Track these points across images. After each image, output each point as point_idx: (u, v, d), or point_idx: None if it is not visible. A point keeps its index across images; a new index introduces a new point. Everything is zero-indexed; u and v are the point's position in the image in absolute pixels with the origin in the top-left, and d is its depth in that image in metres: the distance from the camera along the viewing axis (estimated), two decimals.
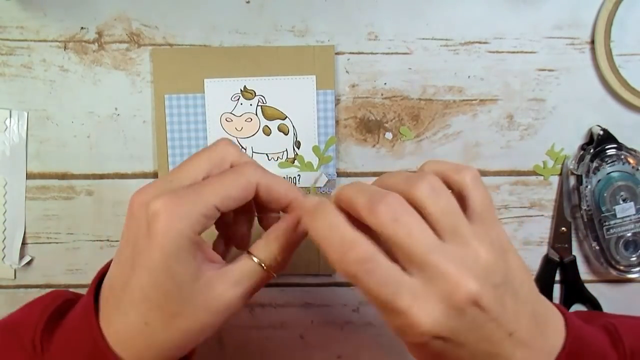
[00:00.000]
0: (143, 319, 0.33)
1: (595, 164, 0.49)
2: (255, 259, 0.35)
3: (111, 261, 0.36)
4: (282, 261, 0.36)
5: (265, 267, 0.35)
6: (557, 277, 0.52)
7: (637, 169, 0.49)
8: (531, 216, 0.52)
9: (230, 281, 0.34)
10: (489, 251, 0.30)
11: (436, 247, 0.30)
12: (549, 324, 0.34)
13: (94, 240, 0.52)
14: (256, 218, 0.40)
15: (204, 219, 0.33)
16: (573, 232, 0.52)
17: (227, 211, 0.34)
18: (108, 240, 0.52)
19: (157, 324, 0.33)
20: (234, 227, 0.40)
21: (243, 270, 0.35)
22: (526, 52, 0.50)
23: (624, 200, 0.49)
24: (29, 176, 0.52)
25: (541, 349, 0.33)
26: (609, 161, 0.49)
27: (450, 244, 0.30)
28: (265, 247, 0.35)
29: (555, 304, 0.36)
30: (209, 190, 0.33)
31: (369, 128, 0.51)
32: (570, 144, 0.51)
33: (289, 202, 0.36)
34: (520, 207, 0.52)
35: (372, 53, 0.50)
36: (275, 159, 0.51)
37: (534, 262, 0.52)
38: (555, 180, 0.52)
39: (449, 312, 0.29)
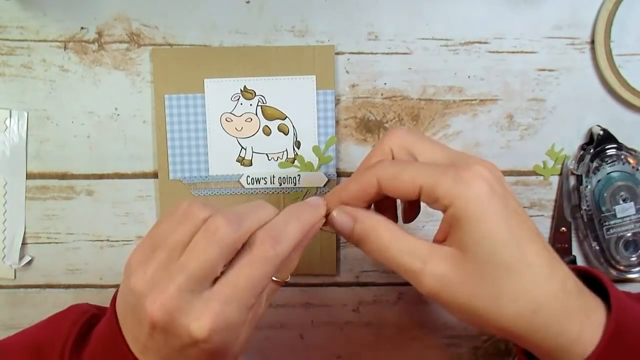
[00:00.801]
0: None
1: (595, 164, 0.49)
2: (274, 278, 0.34)
3: None
4: (293, 266, 0.36)
5: (277, 280, 0.35)
6: None
7: (637, 169, 0.49)
8: (531, 216, 0.52)
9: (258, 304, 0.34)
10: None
11: None
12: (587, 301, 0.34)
13: (94, 240, 0.52)
14: None
15: (246, 317, 0.32)
16: (573, 232, 0.52)
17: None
18: (108, 240, 0.52)
19: None
20: None
21: (267, 293, 0.35)
22: (526, 52, 0.50)
23: (624, 200, 0.49)
24: (29, 176, 0.52)
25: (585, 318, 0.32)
26: (609, 161, 0.49)
27: None
28: (287, 266, 0.35)
29: (591, 269, 0.36)
30: (241, 292, 0.31)
31: (369, 128, 0.51)
32: (570, 144, 0.51)
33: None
34: None
35: (372, 53, 0.50)
36: (275, 159, 0.51)
37: None
38: (555, 180, 0.52)
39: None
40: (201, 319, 0.30)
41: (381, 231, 0.34)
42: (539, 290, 0.31)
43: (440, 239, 0.33)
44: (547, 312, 0.31)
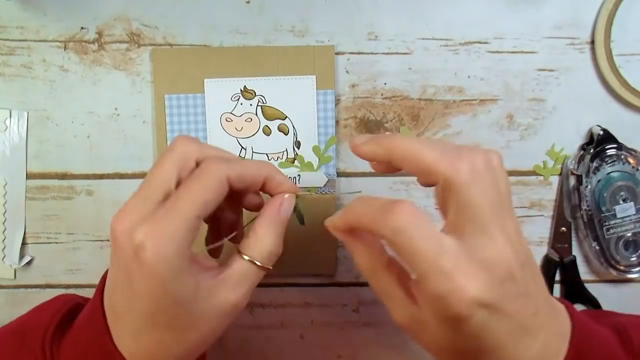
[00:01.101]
0: (155, 339, 0.33)
1: (595, 164, 0.49)
2: (246, 257, 0.35)
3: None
4: (276, 252, 0.36)
5: (260, 264, 0.35)
6: (557, 277, 0.52)
7: (637, 169, 0.49)
8: (531, 216, 0.52)
9: (230, 286, 0.34)
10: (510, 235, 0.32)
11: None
12: (556, 311, 0.34)
13: (94, 240, 0.52)
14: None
15: (188, 233, 0.32)
16: (573, 232, 0.52)
17: (209, 214, 0.34)
18: (108, 240, 0.52)
19: (170, 342, 0.33)
20: (221, 219, 0.40)
21: (240, 272, 0.35)
22: (526, 52, 0.50)
23: (624, 200, 0.49)
24: (29, 176, 0.52)
25: (556, 333, 0.33)
26: (609, 161, 0.49)
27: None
28: (257, 244, 0.36)
29: (558, 298, 0.37)
30: (184, 204, 0.33)
31: (369, 128, 0.51)
32: (570, 144, 0.51)
33: (263, 181, 0.37)
34: (520, 207, 0.52)
35: (372, 53, 0.50)
36: (275, 159, 0.51)
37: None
38: (555, 180, 0.52)
39: (492, 280, 0.30)
40: (142, 225, 0.32)
41: (361, 264, 0.36)
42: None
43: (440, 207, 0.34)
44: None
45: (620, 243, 0.49)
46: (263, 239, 0.36)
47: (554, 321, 0.33)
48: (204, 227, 0.41)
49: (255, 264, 0.35)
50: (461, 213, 0.31)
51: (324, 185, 0.51)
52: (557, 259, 0.51)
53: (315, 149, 0.50)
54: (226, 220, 0.41)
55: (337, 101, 0.51)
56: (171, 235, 0.32)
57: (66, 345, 0.35)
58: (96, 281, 0.54)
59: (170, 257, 0.32)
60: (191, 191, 0.33)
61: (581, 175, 0.49)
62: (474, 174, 0.31)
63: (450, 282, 0.29)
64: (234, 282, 0.35)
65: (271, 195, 0.38)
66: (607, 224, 0.49)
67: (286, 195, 0.37)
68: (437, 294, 0.30)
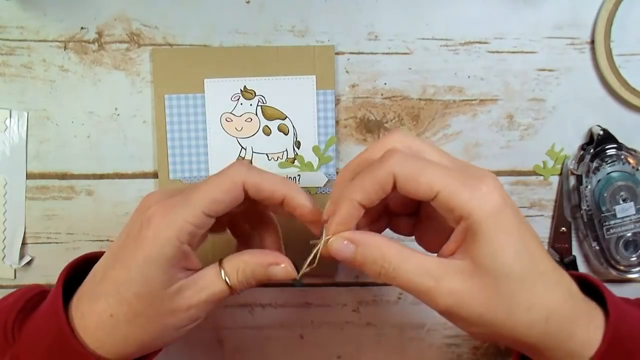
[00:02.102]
0: (110, 309, 0.34)
1: (595, 164, 0.49)
2: (222, 272, 0.35)
3: (84, 255, 0.38)
4: (245, 284, 0.36)
5: (229, 283, 0.35)
6: None
7: (637, 169, 0.49)
8: (531, 216, 0.52)
9: (194, 288, 0.35)
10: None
11: None
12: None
13: (94, 240, 0.52)
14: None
15: (191, 227, 0.33)
16: (573, 232, 0.52)
17: (219, 215, 0.35)
18: (108, 240, 0.52)
19: (121, 317, 0.34)
20: (251, 241, 0.40)
21: (209, 278, 0.35)
22: (526, 52, 0.50)
23: (624, 200, 0.49)
24: (29, 176, 0.52)
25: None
26: (609, 161, 0.49)
27: None
28: (234, 263, 0.36)
29: (586, 275, 0.36)
30: (195, 197, 0.33)
31: (369, 128, 0.51)
32: (570, 144, 0.51)
33: (283, 197, 0.36)
34: (520, 207, 0.52)
35: (372, 53, 0.50)
36: (275, 159, 0.51)
37: None
38: (555, 180, 0.52)
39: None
40: (157, 204, 0.34)
41: (387, 252, 0.33)
42: (550, 297, 0.32)
43: (450, 252, 0.33)
44: (558, 319, 0.32)
45: (620, 243, 0.49)
46: (241, 265, 0.36)
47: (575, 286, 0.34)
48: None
49: (225, 280, 0.35)
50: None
51: (324, 185, 0.51)
52: (557, 259, 0.51)
53: (315, 149, 0.50)
54: (253, 245, 0.40)
55: (337, 101, 0.51)
56: (174, 222, 0.33)
57: (27, 329, 0.36)
58: None
59: (166, 241, 0.32)
60: (204, 187, 0.34)
61: (581, 175, 0.49)
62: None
63: (472, 181, 0.31)
64: (198, 286, 0.35)
65: (291, 216, 0.37)
66: (607, 224, 0.49)
67: (283, 265, 0.36)
68: (468, 196, 0.30)
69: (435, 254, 0.35)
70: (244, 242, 0.41)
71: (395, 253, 0.33)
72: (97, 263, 0.36)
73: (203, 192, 0.34)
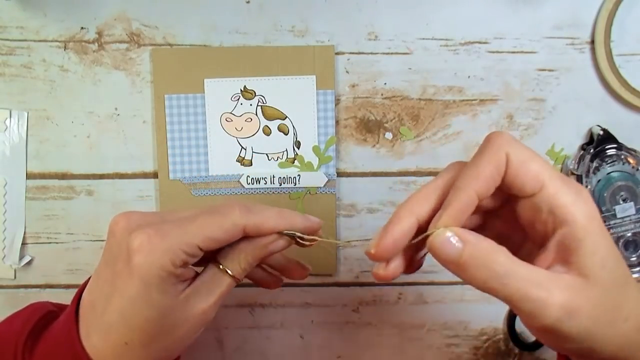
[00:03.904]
0: (123, 339, 0.34)
1: (595, 164, 0.49)
2: (221, 266, 0.36)
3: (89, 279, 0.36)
4: (248, 269, 0.37)
5: (231, 274, 0.36)
6: None
7: (637, 169, 0.49)
8: None
9: (202, 293, 0.35)
10: None
11: None
12: None
13: (94, 240, 0.52)
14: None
15: (185, 255, 0.33)
16: None
17: (211, 250, 0.35)
18: None
19: (137, 343, 0.34)
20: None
21: (211, 280, 0.36)
22: (526, 52, 0.50)
23: (624, 200, 0.49)
24: (29, 176, 0.52)
25: None
26: (609, 161, 0.49)
27: None
28: (232, 256, 0.36)
29: None
30: (193, 229, 0.34)
31: (369, 128, 0.51)
32: (570, 144, 0.51)
33: (282, 230, 0.36)
34: None
35: (372, 53, 0.50)
36: (275, 159, 0.51)
37: None
38: None
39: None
40: (145, 229, 0.33)
41: (498, 258, 0.29)
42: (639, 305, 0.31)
43: (547, 264, 0.31)
44: None
45: (620, 243, 0.49)
46: (240, 253, 0.36)
47: None
48: None
49: (227, 272, 0.36)
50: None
51: (324, 185, 0.51)
52: None
53: (315, 149, 0.50)
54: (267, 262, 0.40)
55: (337, 101, 0.51)
56: (168, 249, 0.32)
57: (39, 354, 0.36)
58: None
59: (160, 267, 0.32)
60: (204, 221, 0.34)
61: (581, 175, 0.49)
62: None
63: (571, 185, 0.30)
64: (205, 290, 0.35)
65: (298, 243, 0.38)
66: (607, 224, 0.49)
67: (281, 242, 0.37)
68: (573, 198, 0.29)
69: None
70: None
71: (506, 259, 0.30)
72: (89, 290, 0.36)
73: (201, 225, 0.34)
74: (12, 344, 0.36)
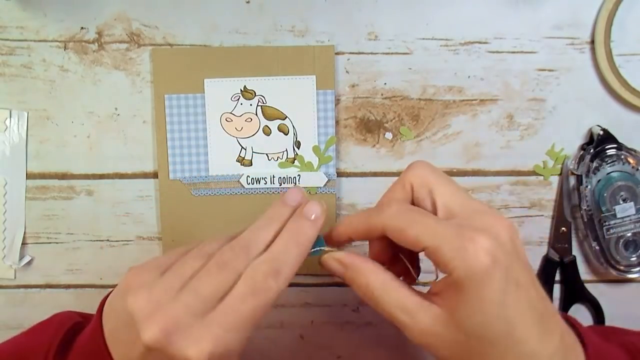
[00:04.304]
0: None
1: (595, 164, 0.49)
2: None
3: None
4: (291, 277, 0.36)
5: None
6: (557, 277, 0.52)
7: (637, 169, 0.49)
8: (531, 216, 0.52)
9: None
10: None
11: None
12: (569, 331, 0.34)
13: (94, 240, 0.52)
14: None
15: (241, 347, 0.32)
16: (573, 232, 0.52)
17: None
18: (108, 240, 0.52)
19: None
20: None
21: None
22: (526, 52, 0.50)
23: (624, 200, 0.49)
24: (29, 176, 0.52)
25: (572, 346, 0.33)
26: (609, 161, 0.49)
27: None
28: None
29: (566, 316, 0.36)
30: (246, 324, 0.32)
31: (369, 128, 0.51)
32: (570, 144, 0.51)
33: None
34: (520, 207, 0.52)
35: (372, 53, 0.50)
36: (275, 159, 0.51)
37: (534, 262, 0.52)
38: (555, 180, 0.52)
39: (499, 243, 0.32)
40: (201, 343, 0.30)
41: (372, 281, 0.34)
42: None
43: (437, 291, 0.33)
44: None
45: (620, 243, 0.49)
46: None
47: (568, 334, 0.33)
48: None
49: None
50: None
51: (324, 185, 0.51)
52: (557, 259, 0.51)
53: (315, 149, 0.50)
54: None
55: (337, 101, 0.51)
56: (231, 356, 0.31)
57: None
58: (96, 281, 0.54)
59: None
60: (250, 307, 0.32)
61: (581, 175, 0.49)
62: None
63: (461, 239, 0.31)
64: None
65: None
66: (607, 224, 0.49)
67: (314, 215, 0.36)
68: (453, 254, 0.31)
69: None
70: None
71: (380, 284, 0.34)
72: (112, 338, 0.34)
73: (247, 319, 0.32)
74: (42, 356, 0.35)
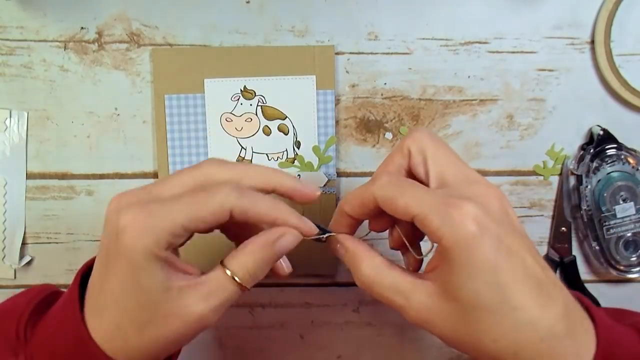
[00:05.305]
0: (115, 322, 0.33)
1: (595, 164, 0.49)
2: (228, 272, 0.34)
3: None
4: (257, 275, 0.35)
5: (238, 281, 0.34)
6: (557, 277, 0.52)
7: (637, 169, 0.49)
8: (531, 216, 0.52)
9: (201, 293, 0.33)
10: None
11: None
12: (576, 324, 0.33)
13: (94, 240, 0.52)
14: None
15: (170, 236, 0.32)
16: (573, 232, 0.52)
17: (200, 232, 0.34)
18: None
19: (128, 329, 0.33)
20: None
21: (215, 282, 0.34)
22: (526, 52, 0.50)
23: (624, 200, 0.49)
24: (29, 176, 0.52)
25: (580, 322, 0.33)
26: (609, 161, 0.49)
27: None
28: (239, 260, 0.34)
29: (576, 293, 0.35)
30: (178, 209, 0.32)
31: (369, 128, 0.51)
32: (570, 144, 0.51)
33: (273, 221, 0.35)
34: (520, 207, 0.52)
35: (372, 53, 0.50)
36: (275, 159, 0.51)
37: None
38: (555, 180, 0.52)
39: (487, 210, 0.32)
40: (130, 209, 0.32)
41: (365, 266, 0.35)
42: (521, 334, 0.31)
43: (431, 268, 0.34)
44: (530, 355, 0.31)
45: (620, 243, 0.49)
46: (247, 256, 0.34)
47: (574, 306, 0.33)
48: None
49: (234, 279, 0.34)
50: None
51: (324, 185, 0.51)
52: (557, 259, 0.51)
53: (315, 149, 0.50)
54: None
55: (337, 101, 0.51)
56: (152, 229, 0.31)
57: (41, 330, 0.36)
58: None
59: (144, 248, 0.31)
60: (190, 201, 0.33)
61: (581, 175, 0.49)
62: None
63: (447, 206, 0.31)
64: (206, 291, 0.33)
65: None
66: (607, 224, 0.49)
67: (289, 236, 0.35)
68: (440, 222, 0.31)
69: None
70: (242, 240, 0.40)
71: (373, 268, 0.35)
72: (92, 272, 0.35)
73: (186, 204, 0.32)
74: (15, 320, 0.36)
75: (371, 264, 0.35)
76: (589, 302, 0.35)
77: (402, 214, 0.33)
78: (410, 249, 0.37)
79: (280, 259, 0.37)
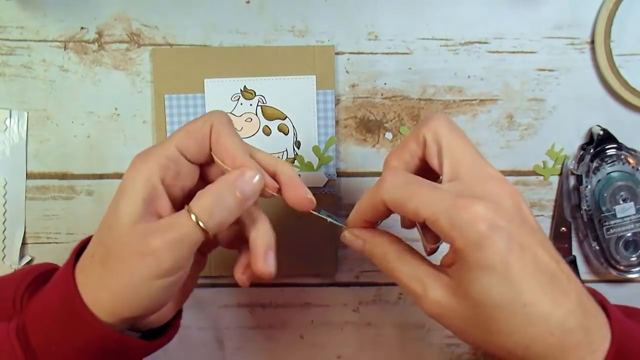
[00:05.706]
0: (92, 249, 0.35)
1: (595, 164, 0.49)
2: (193, 217, 0.33)
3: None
4: (215, 214, 0.34)
5: (194, 220, 0.33)
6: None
7: (637, 169, 0.49)
8: None
9: (159, 230, 0.33)
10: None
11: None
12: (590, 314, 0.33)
13: None
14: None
15: (164, 159, 0.35)
16: (573, 232, 0.52)
17: (192, 158, 0.36)
18: None
19: (97, 258, 0.34)
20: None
21: (174, 220, 0.34)
22: (526, 52, 0.50)
23: (624, 200, 0.49)
24: (29, 176, 0.52)
25: (594, 315, 0.32)
26: (609, 161, 0.49)
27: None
28: (200, 200, 0.34)
29: (590, 289, 0.35)
30: (171, 137, 0.36)
31: (369, 128, 0.51)
32: (570, 144, 0.51)
33: (233, 160, 0.35)
34: None
35: (372, 53, 0.50)
36: None
37: None
38: (555, 180, 0.52)
39: (499, 208, 0.32)
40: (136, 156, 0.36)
41: (388, 252, 0.35)
42: (532, 328, 0.31)
43: (447, 263, 0.34)
44: (541, 348, 0.31)
45: (620, 243, 0.49)
46: (207, 196, 0.34)
47: (588, 300, 0.33)
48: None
49: (191, 217, 0.33)
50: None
51: (324, 185, 0.51)
52: None
53: (315, 149, 0.50)
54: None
55: (337, 101, 0.51)
56: (148, 156, 0.35)
57: (36, 298, 0.36)
58: None
59: (136, 175, 0.34)
60: (182, 129, 0.36)
61: (581, 175, 0.49)
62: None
63: (457, 208, 0.31)
64: (164, 227, 0.33)
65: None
66: (607, 224, 0.49)
67: (249, 175, 0.35)
68: (450, 225, 0.31)
69: None
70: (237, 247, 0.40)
71: (395, 254, 0.35)
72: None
73: (177, 132, 0.36)
74: (12, 289, 0.37)
75: (393, 249, 0.35)
76: (602, 297, 0.35)
77: (413, 216, 0.33)
78: (424, 240, 0.37)
79: (266, 257, 0.36)
